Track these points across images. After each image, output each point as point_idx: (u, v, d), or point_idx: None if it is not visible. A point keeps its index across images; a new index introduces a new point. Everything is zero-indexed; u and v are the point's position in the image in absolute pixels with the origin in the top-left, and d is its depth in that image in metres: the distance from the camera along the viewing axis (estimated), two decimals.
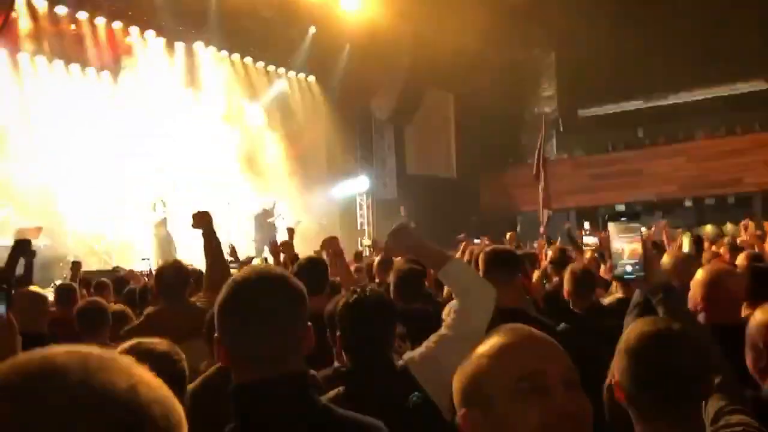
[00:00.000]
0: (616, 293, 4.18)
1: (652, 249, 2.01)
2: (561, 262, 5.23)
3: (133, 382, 0.68)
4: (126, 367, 0.70)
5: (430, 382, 2.07)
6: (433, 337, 2.22)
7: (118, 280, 6.87)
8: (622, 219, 1.92)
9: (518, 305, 3.21)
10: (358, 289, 2.25)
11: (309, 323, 1.54)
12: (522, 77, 20.83)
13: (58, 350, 0.68)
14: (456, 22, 14.70)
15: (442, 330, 2.23)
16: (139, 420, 0.65)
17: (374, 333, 2.17)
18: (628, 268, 1.91)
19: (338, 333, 2.20)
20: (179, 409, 0.70)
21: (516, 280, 3.35)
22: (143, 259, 10.45)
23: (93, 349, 0.70)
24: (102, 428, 0.63)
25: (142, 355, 1.75)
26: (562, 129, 21.26)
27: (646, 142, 20.28)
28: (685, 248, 6.13)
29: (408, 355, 2.21)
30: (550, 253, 6.07)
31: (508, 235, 9.76)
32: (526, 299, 3.84)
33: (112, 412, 0.64)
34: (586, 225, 8.59)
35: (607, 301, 4.19)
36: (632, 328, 1.65)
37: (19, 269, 4.46)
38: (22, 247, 4.36)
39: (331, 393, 2.02)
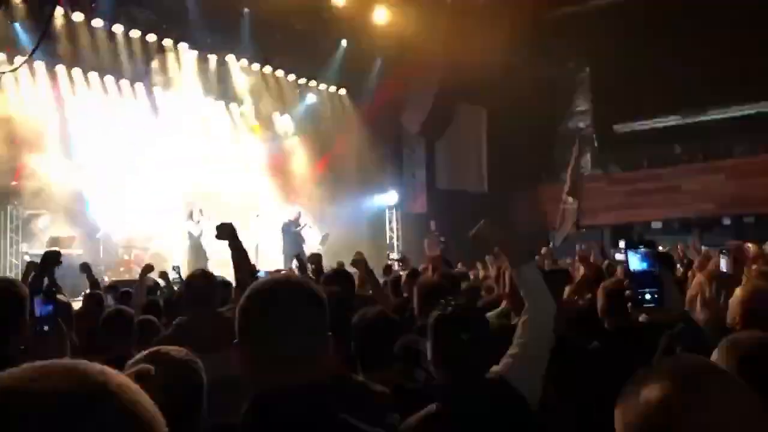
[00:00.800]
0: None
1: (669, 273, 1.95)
2: (596, 279, 5.07)
3: None
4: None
5: (522, 384, 2.18)
6: (513, 345, 2.32)
7: (148, 289, 6.86)
8: (640, 246, 1.89)
9: None
10: (451, 303, 2.26)
11: (329, 333, 1.51)
12: (555, 92, 20.62)
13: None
14: (489, 37, 14.61)
15: (518, 339, 2.33)
16: None
17: (466, 348, 2.18)
18: (647, 296, 1.86)
19: (431, 345, 2.22)
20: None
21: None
22: (174, 268, 10.47)
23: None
24: None
25: (160, 362, 1.75)
26: (596, 145, 20.95)
27: (684, 158, 19.86)
28: (723, 267, 5.91)
29: (493, 368, 2.27)
30: (582, 269, 5.89)
31: (543, 249, 9.56)
32: (560, 319, 3.70)
33: None
34: (621, 244, 8.40)
35: (644, 319, 4.01)
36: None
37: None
38: (52, 258, 4.38)
39: (422, 412, 2.09)
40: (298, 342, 1.44)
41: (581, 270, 5.88)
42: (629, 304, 1.87)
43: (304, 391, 1.42)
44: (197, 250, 13.02)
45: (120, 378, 0.74)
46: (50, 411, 0.67)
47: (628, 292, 1.86)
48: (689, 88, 18.15)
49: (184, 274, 8.60)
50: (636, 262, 1.86)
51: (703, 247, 7.82)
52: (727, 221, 18.59)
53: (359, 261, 4.76)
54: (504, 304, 3.29)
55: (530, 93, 17.78)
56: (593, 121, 20.96)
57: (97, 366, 0.74)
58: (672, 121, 19.91)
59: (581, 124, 21.01)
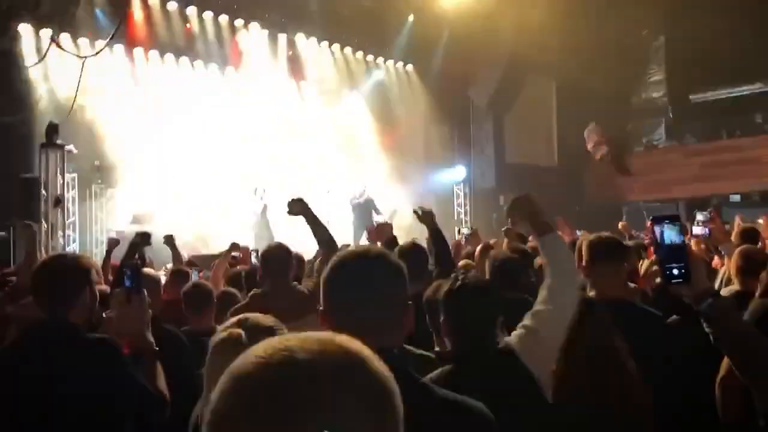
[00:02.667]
0: (734, 285, 3.93)
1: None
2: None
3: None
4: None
5: (531, 359, 2.15)
6: (527, 316, 2.29)
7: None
8: (666, 221, 1.87)
9: (623, 296, 3.09)
10: (461, 275, 2.29)
11: (410, 302, 1.58)
12: (628, 61, 19.93)
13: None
14: (558, 5, 14.28)
15: (535, 307, 2.31)
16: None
17: (478, 316, 2.21)
18: (675, 272, 1.83)
19: (442, 317, 2.25)
20: None
21: (621, 269, 3.21)
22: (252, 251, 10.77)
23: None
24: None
25: (248, 329, 1.83)
26: (671, 115, 20.25)
27: (765, 128, 18.97)
28: None
29: (506, 339, 2.25)
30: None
31: (620, 224, 9.39)
32: (633, 290, 3.68)
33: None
34: (699, 216, 8.13)
35: (723, 293, 3.95)
36: None
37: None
38: (144, 239, 4.62)
39: (436, 372, 2.08)
40: (379, 311, 1.51)
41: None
42: (658, 279, 1.86)
43: (386, 356, 1.48)
44: (261, 227, 13.33)
45: (369, 350, 0.84)
46: (317, 372, 0.76)
47: (656, 267, 1.85)
48: None
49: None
50: (666, 237, 1.85)
51: None
52: None
53: (384, 226, 4.89)
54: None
55: (601, 63, 17.29)
56: (668, 91, 20.22)
57: (346, 337, 0.84)
58: (752, 89, 18.99)
59: (655, 94, 20.31)
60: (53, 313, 2.55)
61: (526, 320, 2.28)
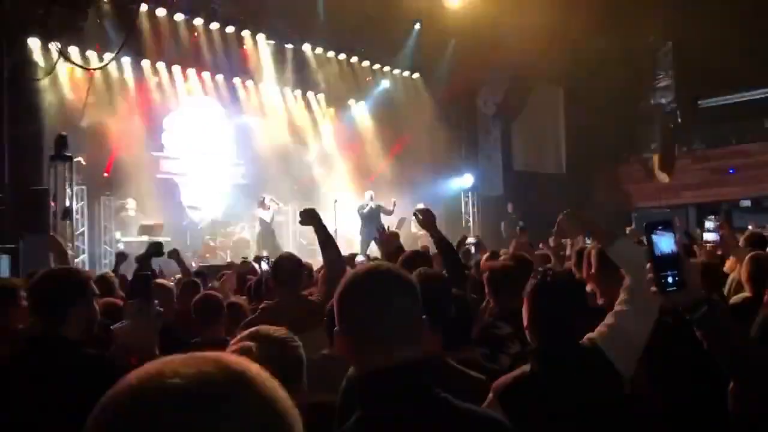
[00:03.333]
0: (745, 292, 3.89)
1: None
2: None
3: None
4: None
5: (616, 355, 2.23)
6: (609, 315, 2.36)
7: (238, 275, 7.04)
8: (659, 228, 1.79)
9: None
10: (549, 273, 2.36)
11: (423, 316, 1.59)
12: (636, 67, 19.89)
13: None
14: (565, 12, 14.27)
15: (618, 307, 2.36)
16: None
17: (562, 314, 2.29)
18: (669, 280, 1.75)
19: (527, 313, 2.34)
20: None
21: None
22: (263, 258, 10.80)
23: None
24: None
25: (261, 341, 1.82)
26: (680, 121, 20.17)
27: None
28: None
29: (588, 336, 2.33)
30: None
31: (627, 230, 9.36)
32: None
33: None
34: (708, 224, 8.04)
35: (734, 300, 3.92)
36: None
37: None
38: (156, 250, 4.63)
39: (515, 372, 2.21)
40: (394, 327, 1.52)
41: None
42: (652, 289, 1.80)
43: (403, 371, 1.49)
44: (267, 237, 13.34)
45: (256, 367, 0.75)
46: (189, 400, 0.68)
47: (650, 276, 1.76)
48: None
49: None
50: (660, 244, 1.78)
51: None
52: None
53: (392, 235, 4.87)
54: (589, 287, 3.25)
55: (608, 70, 17.27)
56: (676, 96, 20.16)
57: (233, 356, 0.75)
58: (761, 94, 18.90)
59: (663, 100, 20.24)
60: (45, 328, 2.54)
61: (609, 319, 2.34)
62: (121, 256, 6.86)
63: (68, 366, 2.44)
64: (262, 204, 13.61)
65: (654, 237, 1.79)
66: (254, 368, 0.74)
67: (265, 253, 9.64)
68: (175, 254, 6.80)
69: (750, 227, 7.46)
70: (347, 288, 1.59)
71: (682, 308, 1.79)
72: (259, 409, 0.71)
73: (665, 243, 1.78)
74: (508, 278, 3.67)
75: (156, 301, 2.65)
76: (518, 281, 3.67)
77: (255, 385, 0.72)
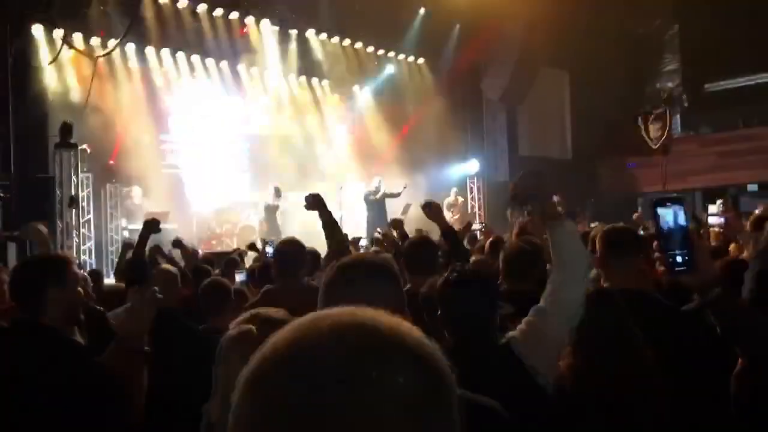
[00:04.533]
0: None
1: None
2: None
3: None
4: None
5: (533, 356, 2.10)
6: (531, 312, 2.22)
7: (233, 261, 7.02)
8: (668, 204, 1.70)
9: (638, 286, 3.06)
10: (457, 268, 2.28)
11: (406, 309, 1.64)
12: (642, 51, 19.77)
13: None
14: None
15: (540, 304, 2.22)
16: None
17: (474, 310, 2.19)
18: (678, 259, 1.66)
19: (438, 312, 2.24)
20: None
21: (636, 260, 3.17)
22: (268, 242, 10.78)
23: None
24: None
25: (261, 323, 1.82)
26: (686, 105, 20.04)
27: None
28: None
29: (509, 334, 2.21)
30: None
31: (634, 215, 9.34)
32: (648, 280, 3.64)
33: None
34: (712, 208, 7.99)
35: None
36: None
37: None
38: (151, 226, 4.63)
39: None
40: None
41: None
42: (660, 267, 1.71)
43: None
44: (270, 224, 13.28)
45: (415, 330, 0.76)
46: (351, 363, 0.69)
47: (657, 254, 1.67)
48: None
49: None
50: (666, 217, 1.68)
51: None
52: None
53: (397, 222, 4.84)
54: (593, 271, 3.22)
55: (614, 54, 17.15)
56: (683, 80, 20.03)
57: (392, 320, 0.76)
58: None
59: (670, 84, 20.12)
60: (22, 313, 2.55)
61: (530, 315, 2.21)
62: (127, 245, 6.87)
63: (38, 351, 2.42)
64: (276, 193, 13.35)
65: (659, 210, 1.70)
66: (413, 333, 0.75)
67: (272, 238, 9.62)
68: (178, 243, 6.79)
69: (757, 211, 7.39)
70: (335, 274, 1.64)
71: (694, 290, 1.72)
72: (417, 371, 0.71)
73: (671, 217, 1.69)
74: (519, 260, 3.68)
75: (156, 288, 2.62)
76: (531, 264, 3.68)
77: (413, 348, 0.73)
